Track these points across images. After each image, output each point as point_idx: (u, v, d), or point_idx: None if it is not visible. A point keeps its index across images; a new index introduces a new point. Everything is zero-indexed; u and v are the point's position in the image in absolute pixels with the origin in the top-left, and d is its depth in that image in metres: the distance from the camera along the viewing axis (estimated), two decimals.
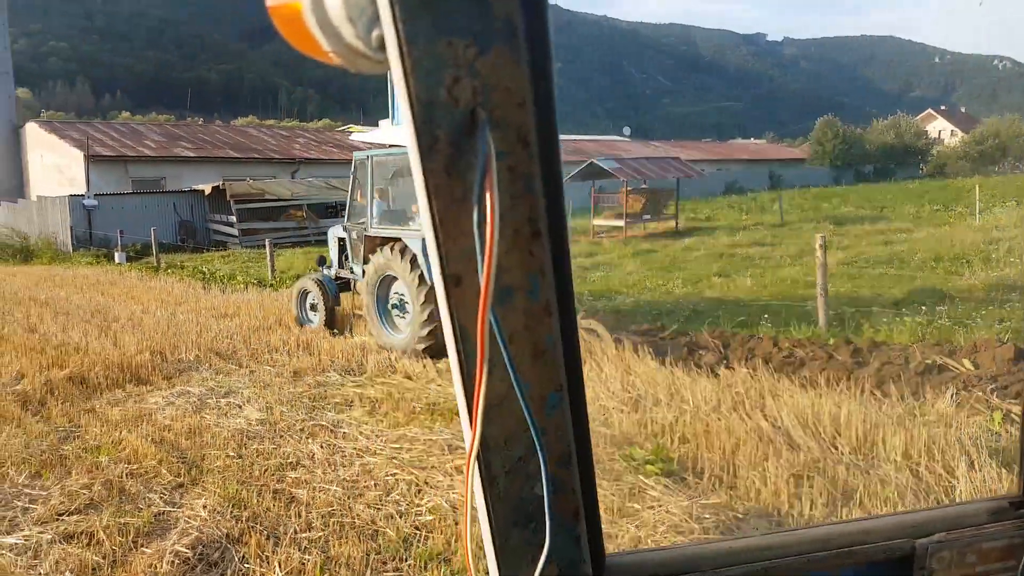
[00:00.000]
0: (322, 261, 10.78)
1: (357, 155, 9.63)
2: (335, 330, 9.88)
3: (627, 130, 45.04)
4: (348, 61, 0.66)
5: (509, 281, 0.69)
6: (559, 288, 0.72)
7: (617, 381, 6.68)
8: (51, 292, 15.22)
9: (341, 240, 10.15)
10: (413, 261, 8.24)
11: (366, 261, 9.12)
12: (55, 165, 29.95)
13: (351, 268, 9.82)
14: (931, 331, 8.16)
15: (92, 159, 27.12)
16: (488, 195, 0.63)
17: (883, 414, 5.60)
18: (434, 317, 8.03)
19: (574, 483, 0.75)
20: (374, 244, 9.01)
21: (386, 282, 8.86)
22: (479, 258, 0.64)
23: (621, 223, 21.71)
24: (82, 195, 24.81)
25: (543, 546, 0.74)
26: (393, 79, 0.64)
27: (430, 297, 8.03)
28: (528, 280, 0.69)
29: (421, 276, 8.12)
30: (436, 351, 8.18)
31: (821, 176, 57.18)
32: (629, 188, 22.38)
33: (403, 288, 8.56)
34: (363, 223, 9.30)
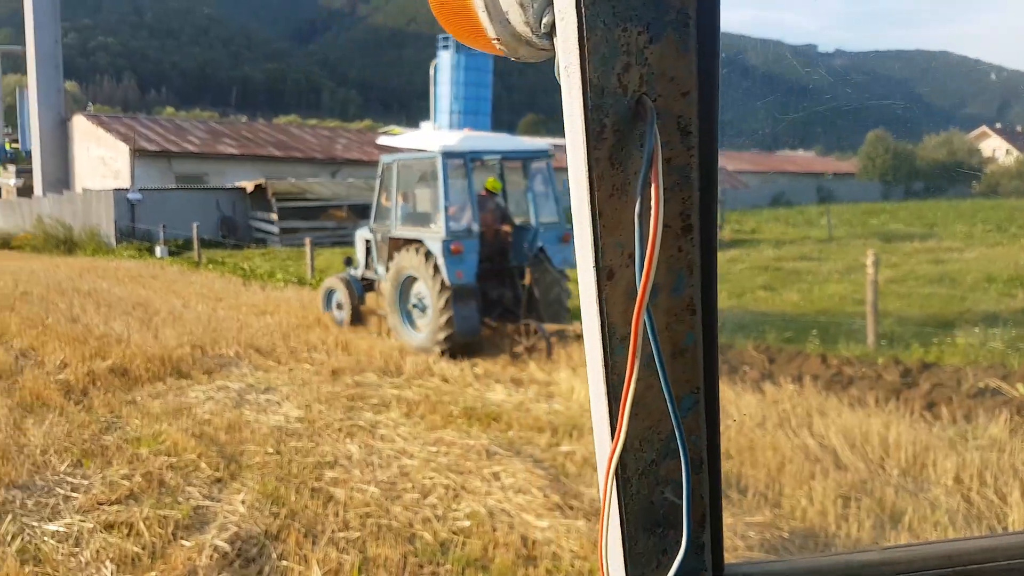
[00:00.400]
0: (349, 261, 11.03)
1: (384, 159, 9.79)
2: (359, 326, 10.12)
3: None
4: (510, 49, 0.67)
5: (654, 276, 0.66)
6: (704, 286, 0.70)
7: None
8: (94, 283, 15.55)
9: (367, 241, 10.34)
10: (433, 262, 8.44)
11: (389, 261, 9.36)
12: (101, 158, 30.62)
13: (376, 269, 10.03)
14: (984, 353, 7.94)
15: (137, 153, 27.70)
16: (653, 186, 0.61)
17: (933, 436, 5.45)
18: (452, 319, 8.32)
19: (703, 489, 0.74)
20: (397, 245, 9.26)
21: (407, 283, 9.08)
22: (637, 252, 0.63)
23: None
24: (126, 189, 25.34)
25: (667, 551, 0.74)
26: (560, 65, 0.64)
27: (448, 298, 8.31)
28: (674, 276, 0.68)
29: (438, 275, 8.36)
30: (453, 350, 8.44)
31: (870, 191, 56.24)
32: None
33: (423, 289, 8.75)
34: (388, 225, 9.54)
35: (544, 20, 0.63)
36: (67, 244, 25.30)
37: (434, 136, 9.77)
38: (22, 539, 4.29)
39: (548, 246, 9.07)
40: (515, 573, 3.85)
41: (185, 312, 11.62)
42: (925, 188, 60.51)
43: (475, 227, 8.69)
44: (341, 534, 4.29)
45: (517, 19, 0.64)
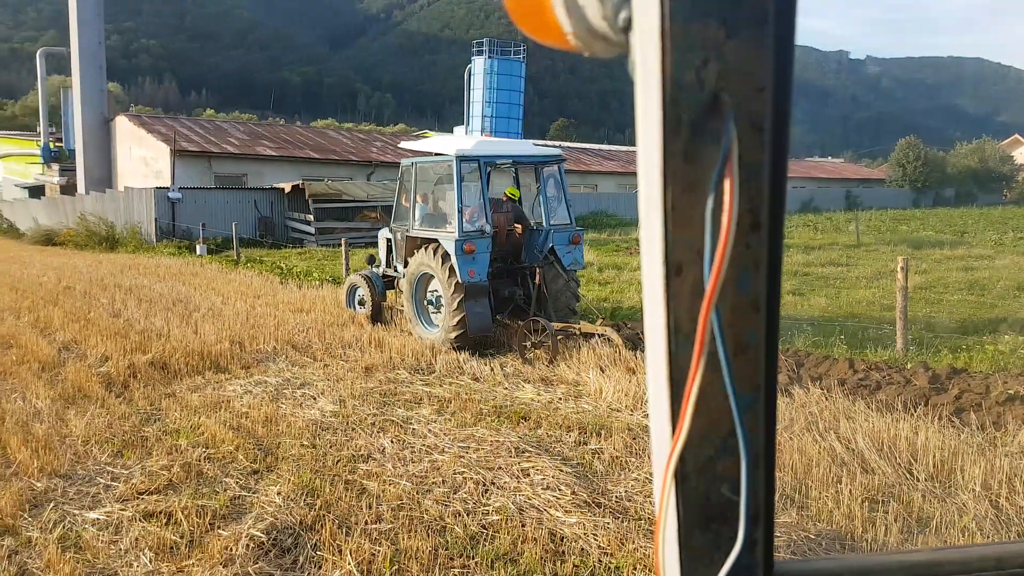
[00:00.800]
0: (371, 260, 11.42)
1: (404, 162, 10.15)
2: (379, 322, 10.58)
3: None
4: (585, 44, 0.67)
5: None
6: (768, 285, 0.70)
7: None
8: (135, 280, 15.79)
9: (388, 240, 10.72)
10: (448, 261, 8.75)
11: (408, 259, 9.70)
12: (142, 158, 31.11)
13: (395, 267, 10.42)
14: (1013, 360, 7.84)
15: (178, 153, 28.11)
16: (727, 183, 0.62)
17: (962, 442, 5.42)
18: (465, 316, 8.66)
19: (759, 487, 0.73)
20: (415, 245, 9.60)
21: (424, 280, 9.47)
22: (707, 248, 0.64)
23: None
24: (167, 188, 25.66)
25: (721, 547, 0.74)
26: (636, 60, 0.64)
27: (461, 296, 8.67)
28: (740, 273, 0.67)
29: (452, 274, 8.68)
30: (464, 345, 8.79)
31: (900, 198, 55.38)
32: None
33: (438, 286, 9.12)
34: (406, 225, 9.92)
35: (621, 15, 0.63)
36: (109, 241, 25.67)
37: (451, 141, 10.11)
38: (63, 527, 4.39)
39: (559, 248, 9.42)
40: (543, 568, 3.90)
41: (224, 309, 11.77)
42: (956, 195, 59.43)
43: (488, 228, 9.00)
44: (374, 526, 4.36)
45: (594, 14, 0.64)
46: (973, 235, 25.55)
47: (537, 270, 9.20)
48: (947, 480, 4.93)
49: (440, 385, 7.48)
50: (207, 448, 5.67)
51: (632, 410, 6.60)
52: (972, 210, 44.10)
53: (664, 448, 0.71)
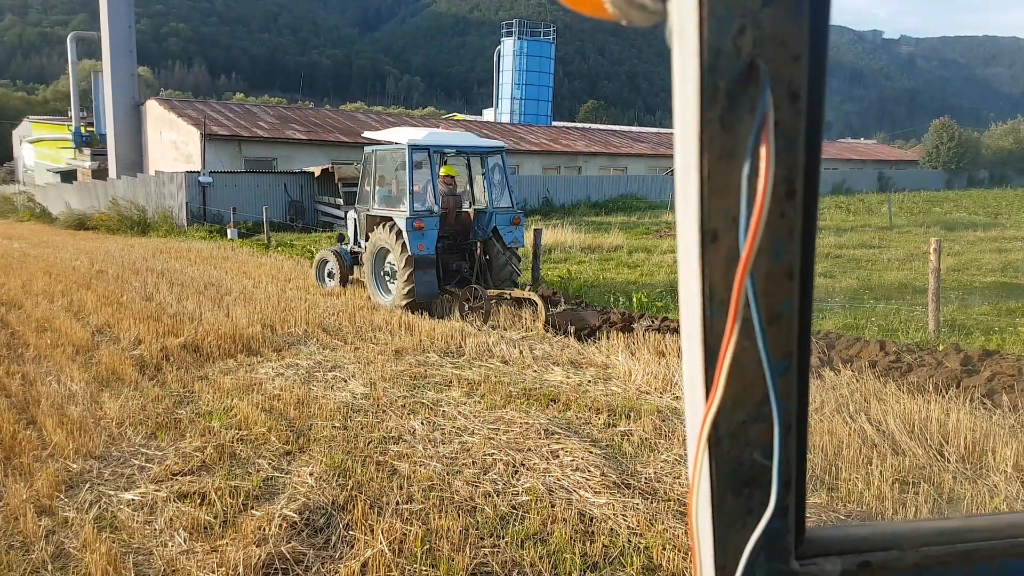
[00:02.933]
0: (341, 238, 12.92)
1: (366, 149, 11.39)
2: (346, 288, 12.05)
3: None
4: (623, 12, 0.67)
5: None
6: (803, 253, 0.70)
7: None
8: (167, 264, 15.94)
9: (355, 220, 12.04)
10: (400, 236, 10.05)
11: (368, 236, 11.08)
12: (172, 142, 31.39)
13: (360, 243, 11.77)
14: None
15: (208, 138, 28.35)
16: (764, 150, 0.62)
17: (994, 424, 5.33)
18: (414, 284, 10.03)
19: (791, 453, 0.74)
20: (375, 223, 10.93)
21: (382, 254, 10.83)
22: (743, 215, 0.64)
23: None
24: (197, 172, 25.88)
25: (753, 512, 0.75)
26: (673, 28, 0.65)
27: (410, 266, 10.01)
28: (774, 241, 0.68)
29: (404, 248, 10.00)
30: (413, 309, 10.11)
31: (933, 179, 54.36)
32: None
33: (392, 259, 10.44)
34: (368, 206, 11.26)
35: None
36: (141, 225, 25.87)
37: (404, 132, 11.14)
38: (99, 507, 4.45)
39: (501, 227, 10.75)
40: (573, 547, 3.91)
41: (255, 292, 11.87)
42: (990, 176, 58.17)
43: (436, 208, 10.30)
44: (405, 506, 4.39)
45: None
46: (1007, 216, 25.06)
47: (478, 246, 10.83)
48: (978, 462, 4.86)
49: (469, 368, 7.49)
50: (240, 430, 5.72)
51: (661, 392, 6.57)
52: (1007, 191, 43.17)
53: (698, 413, 0.72)
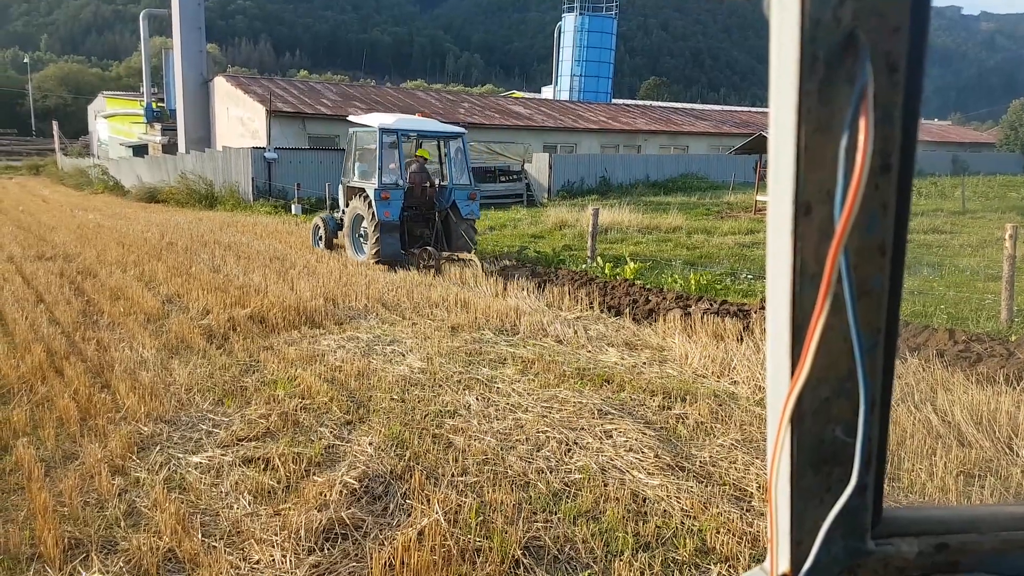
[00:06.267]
0: (334, 206, 14.94)
1: (349, 130, 13.40)
2: (331, 248, 14.03)
3: None
4: None
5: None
6: (896, 228, 0.69)
7: None
8: (233, 237, 16.37)
9: (342, 191, 13.89)
10: (371, 205, 11.94)
11: (347, 205, 13.10)
12: (239, 118, 31.97)
13: (343, 211, 13.59)
14: None
15: (273, 114, 28.86)
16: (862, 122, 0.62)
17: None
18: (380, 245, 11.97)
19: (873, 431, 0.74)
20: (353, 193, 12.89)
21: (357, 219, 12.70)
22: (839, 188, 0.64)
23: None
24: (263, 148, 26.36)
25: (832, 489, 0.74)
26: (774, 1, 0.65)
27: (377, 229, 11.94)
28: (868, 215, 0.67)
29: (374, 215, 11.89)
30: (381, 264, 12.07)
31: (1010, 163, 51.86)
32: None
33: (365, 224, 12.34)
34: (348, 179, 13.19)
35: None
36: (208, 199, 26.53)
37: (379, 117, 12.94)
38: (169, 468, 4.63)
39: (459, 201, 12.71)
40: (625, 527, 3.92)
41: (318, 267, 12.11)
42: None
43: (401, 182, 12.23)
44: (460, 478, 4.46)
45: None
46: None
47: (437, 216, 12.85)
48: None
49: (524, 346, 7.52)
50: (303, 399, 5.87)
51: (719, 376, 6.48)
52: None
53: (781, 388, 0.71)
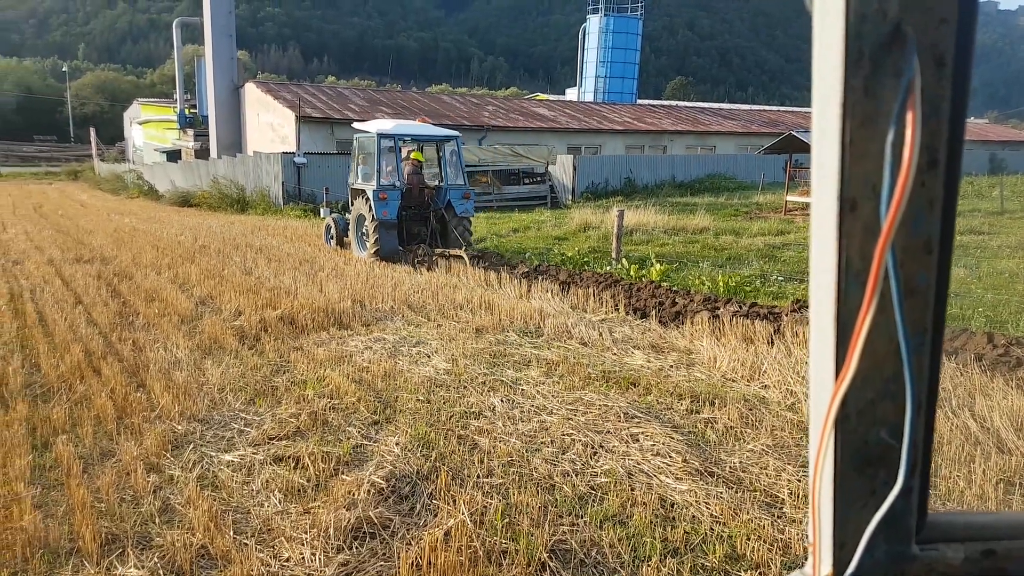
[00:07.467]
0: (344, 207, 16.51)
1: (354, 136, 14.26)
2: (341, 246, 14.94)
3: None
4: None
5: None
6: (943, 226, 0.68)
7: (809, 365, 6.38)
8: (264, 240, 16.61)
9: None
10: (370, 205, 12.86)
11: (352, 205, 13.97)
12: (269, 123, 32.40)
13: (350, 210, 14.41)
14: None
15: (302, 120, 29.21)
16: (910, 116, 0.61)
17: None
18: (379, 242, 12.91)
19: (919, 433, 0.72)
20: (356, 194, 13.81)
21: (360, 219, 13.61)
22: (885, 184, 0.63)
23: None
24: (293, 153, 26.69)
25: (876, 492, 0.73)
26: None
27: (377, 229, 12.87)
28: (914, 212, 0.66)
29: (373, 215, 12.81)
30: (379, 259, 12.99)
31: None
32: None
33: (366, 222, 13.24)
34: (352, 181, 14.05)
35: None
36: (240, 203, 26.95)
37: (378, 123, 13.94)
38: (202, 466, 4.72)
39: (454, 200, 13.56)
40: (653, 531, 3.89)
41: (346, 269, 12.24)
42: None
43: (398, 183, 13.20)
44: (485, 479, 4.47)
45: None
46: None
47: (432, 215, 13.73)
48: None
49: (548, 348, 7.51)
50: (332, 399, 5.95)
51: (749, 380, 6.41)
52: None
53: (825, 388, 0.70)
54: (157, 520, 4.06)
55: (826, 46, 0.63)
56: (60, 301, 9.79)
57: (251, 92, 34.51)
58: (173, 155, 45.96)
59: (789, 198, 21.26)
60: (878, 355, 0.69)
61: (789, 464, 4.67)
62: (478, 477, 4.51)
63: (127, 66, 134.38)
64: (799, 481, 4.41)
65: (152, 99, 65.55)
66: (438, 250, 13.12)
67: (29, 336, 8.03)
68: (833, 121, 0.64)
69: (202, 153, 39.18)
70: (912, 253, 0.67)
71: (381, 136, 13.06)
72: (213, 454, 4.94)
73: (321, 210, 17.64)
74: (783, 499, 4.25)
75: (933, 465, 4.09)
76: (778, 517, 4.06)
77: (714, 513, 4.08)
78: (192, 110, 44.18)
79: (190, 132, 42.79)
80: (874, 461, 0.73)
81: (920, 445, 0.73)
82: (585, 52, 50.95)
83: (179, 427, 5.41)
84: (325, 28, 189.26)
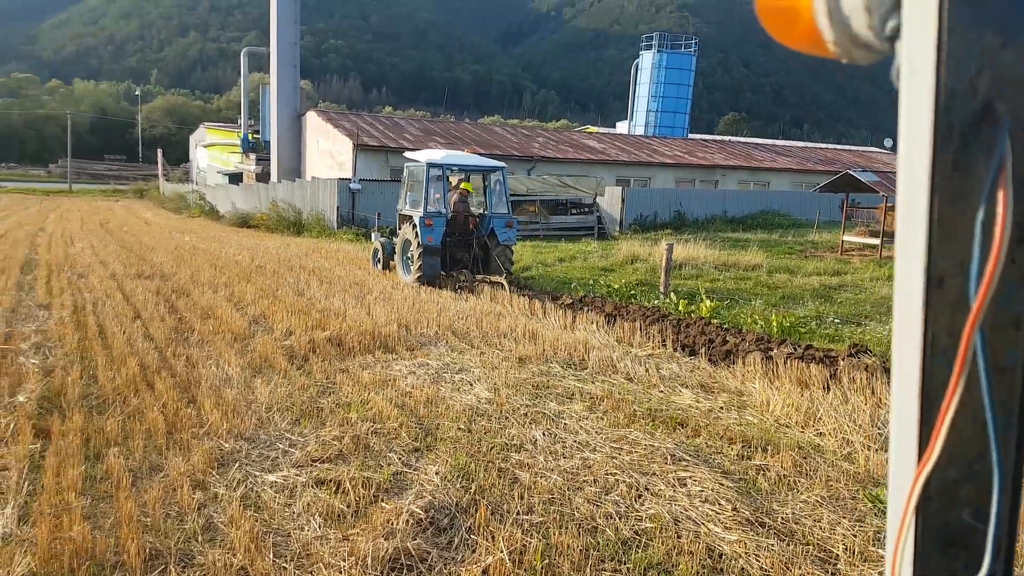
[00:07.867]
0: (393, 232, 16.86)
1: (404, 164, 14.86)
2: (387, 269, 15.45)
3: (889, 142, 40.97)
4: (845, 51, 0.69)
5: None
6: None
7: (866, 414, 6.15)
8: (317, 262, 16.92)
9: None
10: (417, 230, 13.23)
11: (399, 230, 14.49)
12: (328, 151, 33.25)
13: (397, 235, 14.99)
14: None
15: (359, 148, 29.88)
16: (1001, 194, 0.61)
17: None
18: (422, 267, 13.32)
19: (1004, 517, 0.70)
20: (404, 220, 14.36)
21: (406, 244, 14.13)
22: (975, 261, 0.62)
23: (876, 241, 19.78)
24: (349, 179, 27.28)
25: (957, 575, 0.71)
26: (903, 68, 0.65)
27: (421, 254, 13.26)
28: (1003, 289, 0.65)
29: (419, 240, 13.20)
30: (423, 284, 13.39)
31: None
32: (890, 204, 20.53)
33: (412, 247, 13.69)
34: (401, 207, 14.65)
35: (889, 24, 0.65)
36: (296, 226, 27.62)
37: (427, 153, 14.56)
38: (246, 486, 4.75)
39: (497, 229, 13.97)
40: None
41: (394, 293, 12.37)
42: None
43: (443, 210, 13.75)
44: (525, 516, 4.39)
45: (860, 23, 0.66)
46: None
47: (475, 242, 14.09)
48: None
49: (592, 382, 7.39)
50: (374, 423, 5.96)
51: (803, 427, 6.16)
52: None
53: (907, 467, 0.70)
54: (200, 538, 4.09)
55: (914, 121, 0.63)
56: (120, 315, 10.08)
57: (312, 120, 35.49)
58: (235, 178, 47.38)
59: (846, 237, 20.78)
60: (963, 435, 0.68)
61: (844, 517, 4.47)
62: (518, 513, 4.43)
63: (196, 91, 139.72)
64: (855, 536, 4.22)
65: (218, 123, 67.93)
66: (479, 276, 13.74)
67: (89, 348, 8.27)
68: (920, 196, 0.64)
69: (263, 177, 40.28)
70: (1001, 330, 0.66)
71: (430, 165, 13.57)
72: (257, 473, 4.98)
73: (372, 234, 17.89)
74: (838, 555, 4.06)
75: (1017, 548, 3.90)
76: (832, 574, 3.88)
77: (764, 566, 3.92)
78: (255, 135, 45.61)
79: (252, 156, 44.09)
80: (956, 543, 0.71)
81: (1005, 528, 0.71)
82: (637, 87, 51.08)
83: (226, 444, 5.47)
84: (385, 60, 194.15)
